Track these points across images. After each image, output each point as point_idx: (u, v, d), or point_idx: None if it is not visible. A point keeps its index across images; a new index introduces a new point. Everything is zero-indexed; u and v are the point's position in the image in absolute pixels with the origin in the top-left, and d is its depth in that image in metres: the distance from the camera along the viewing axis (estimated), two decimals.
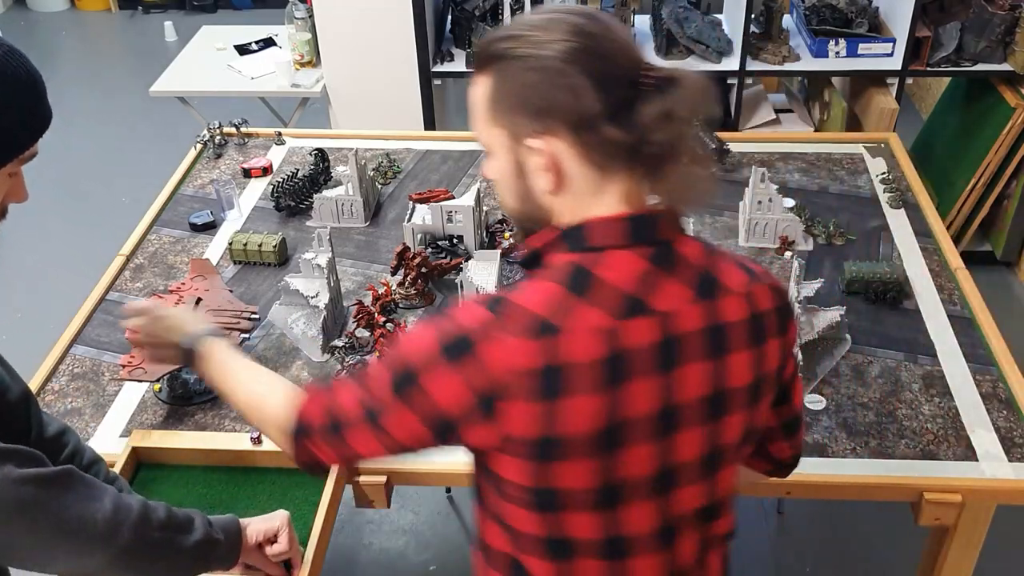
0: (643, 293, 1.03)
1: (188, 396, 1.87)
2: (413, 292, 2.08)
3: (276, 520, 1.46)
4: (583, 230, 1.05)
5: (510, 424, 1.01)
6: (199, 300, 1.92)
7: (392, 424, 1.07)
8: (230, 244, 2.24)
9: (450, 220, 2.21)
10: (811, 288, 1.90)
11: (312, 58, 3.70)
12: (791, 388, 1.22)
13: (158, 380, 1.80)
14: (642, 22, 3.63)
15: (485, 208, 2.34)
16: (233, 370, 1.33)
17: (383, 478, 1.71)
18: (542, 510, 1.08)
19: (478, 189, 2.24)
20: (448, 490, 2.88)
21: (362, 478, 1.71)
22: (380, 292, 2.06)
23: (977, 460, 1.70)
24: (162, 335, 1.40)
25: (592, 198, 1.06)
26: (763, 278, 1.13)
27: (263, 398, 1.25)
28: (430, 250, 2.21)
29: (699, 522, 1.16)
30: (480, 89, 1.08)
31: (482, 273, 1.82)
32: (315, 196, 2.37)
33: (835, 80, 3.66)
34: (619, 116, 1.01)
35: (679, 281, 1.05)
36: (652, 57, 3.43)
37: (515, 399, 1.00)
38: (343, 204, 2.36)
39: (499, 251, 1.86)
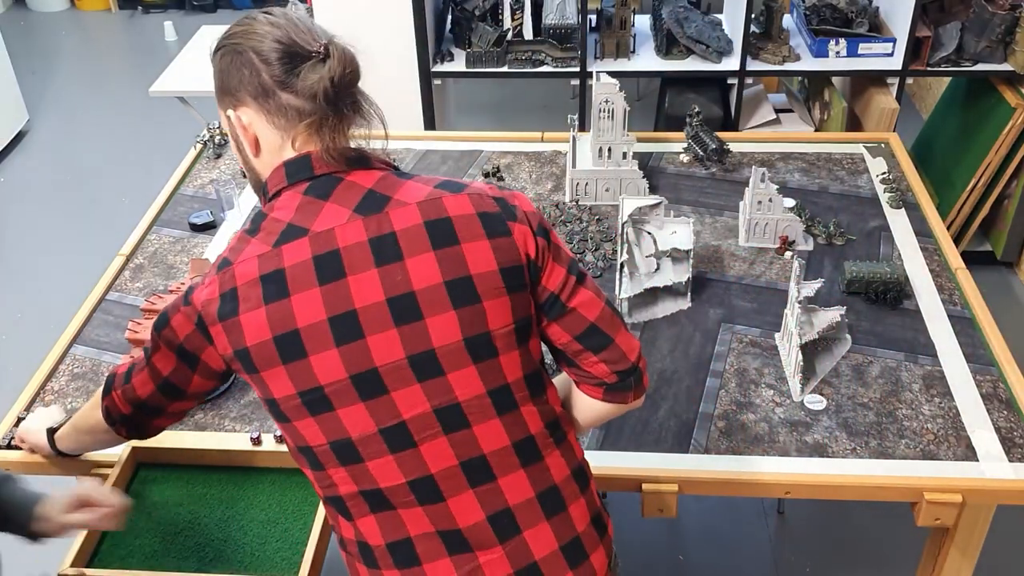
0: (300, 220, 1.22)
1: None
2: None
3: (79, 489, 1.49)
4: (267, 186, 1.28)
5: (221, 337, 1.23)
6: None
7: (155, 359, 1.32)
8: None
9: None
10: (811, 288, 1.89)
11: None
12: (568, 298, 1.28)
13: None
14: (642, 22, 3.63)
15: None
16: (69, 438, 1.62)
17: None
18: (277, 418, 1.26)
19: None
20: None
21: None
22: None
23: (977, 460, 1.70)
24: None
25: (278, 156, 1.27)
26: (471, 189, 1.27)
27: (88, 423, 1.51)
28: None
29: (443, 429, 1.22)
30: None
31: None
32: None
33: (835, 80, 3.66)
34: (289, 83, 1.22)
35: (336, 204, 1.23)
36: (652, 57, 3.44)
37: (212, 324, 1.23)
38: None
39: None
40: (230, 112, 1.28)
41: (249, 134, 1.27)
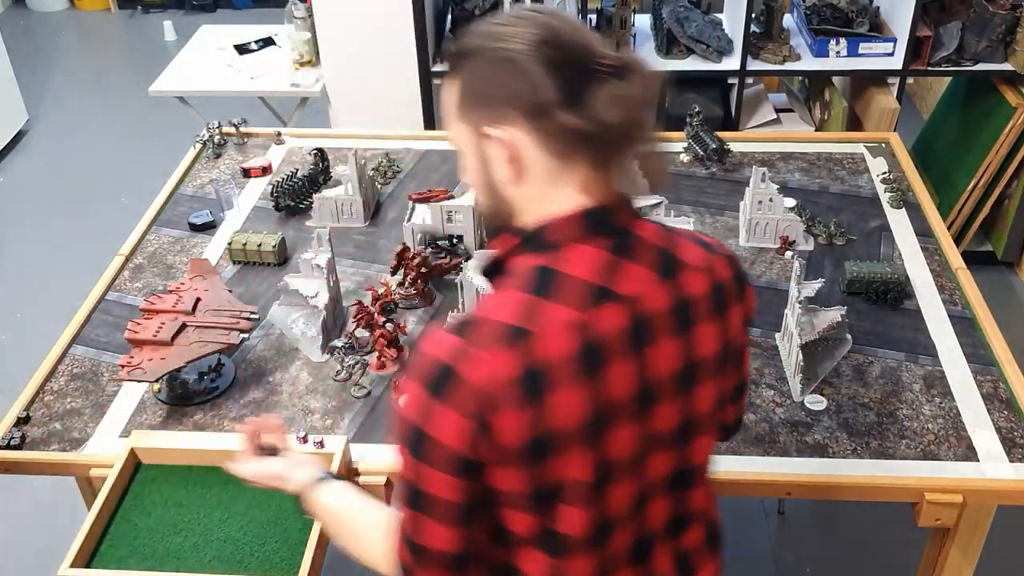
0: (608, 281, 1.06)
1: (187, 396, 1.86)
2: (413, 292, 2.08)
3: None
4: (543, 231, 1.08)
5: (504, 435, 1.02)
6: (198, 300, 1.91)
7: (429, 491, 1.05)
8: (229, 244, 2.24)
9: (450, 220, 2.21)
10: (812, 288, 1.89)
11: (312, 58, 3.70)
12: (743, 353, 1.28)
13: (157, 380, 1.80)
14: (642, 22, 3.62)
15: None
16: (331, 519, 1.33)
17: (383, 478, 1.70)
18: (538, 509, 1.09)
19: None
20: None
21: (362, 478, 1.71)
22: (380, 292, 2.06)
23: (978, 460, 1.70)
24: (270, 483, 1.41)
25: (552, 188, 1.08)
26: (718, 249, 1.19)
27: (360, 548, 1.25)
28: (430, 250, 2.20)
29: (669, 489, 1.18)
30: (448, 91, 1.12)
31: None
32: (315, 196, 2.37)
33: (836, 80, 3.66)
34: (574, 103, 1.03)
35: (641, 264, 1.09)
36: (652, 57, 3.43)
37: (504, 410, 1.01)
38: (343, 204, 2.35)
39: None
40: (488, 129, 1.07)
41: (513, 158, 1.07)
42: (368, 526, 1.24)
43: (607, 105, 1.02)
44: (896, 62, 3.30)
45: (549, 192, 1.08)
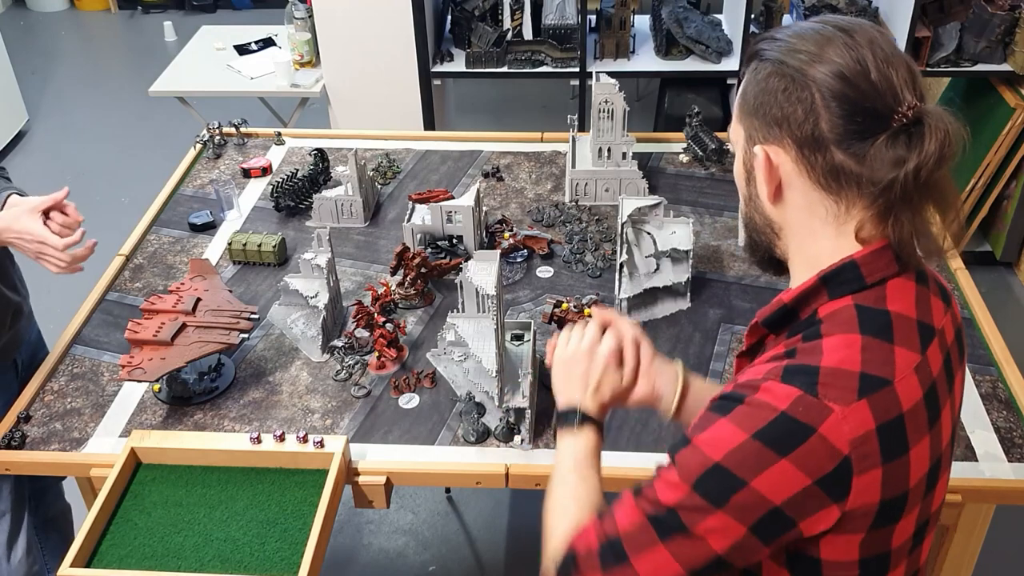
0: (924, 316, 1.00)
1: (187, 396, 1.86)
2: (413, 292, 2.08)
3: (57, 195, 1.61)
4: (854, 269, 0.99)
5: (858, 497, 0.93)
6: (198, 300, 1.92)
7: (711, 534, 0.95)
8: (229, 244, 2.24)
9: (450, 220, 2.21)
10: None
11: (312, 58, 3.70)
12: None
13: (157, 380, 1.80)
14: (642, 22, 3.63)
15: (484, 208, 2.34)
16: (566, 469, 1.17)
17: (383, 478, 1.71)
18: (866, 574, 1.01)
19: (477, 189, 2.24)
20: (448, 490, 2.88)
21: (361, 478, 1.71)
22: (379, 292, 2.06)
23: (977, 460, 1.70)
24: (569, 381, 1.24)
25: (826, 226, 1.00)
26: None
27: (563, 513, 1.12)
28: (430, 250, 2.21)
29: (935, 519, 1.13)
30: (741, 84, 1.07)
31: (481, 273, 1.81)
32: (315, 196, 2.37)
33: None
34: (853, 145, 0.95)
35: (935, 295, 1.03)
36: (652, 57, 3.44)
37: (864, 470, 0.92)
38: (343, 204, 2.35)
39: (498, 251, 1.86)
40: (758, 148, 1.02)
41: (774, 177, 1.02)
42: (583, 501, 1.11)
43: (886, 164, 0.94)
44: None
45: (820, 226, 1.01)
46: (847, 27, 0.99)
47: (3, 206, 1.82)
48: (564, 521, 1.10)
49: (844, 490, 0.92)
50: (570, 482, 1.15)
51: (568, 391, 1.23)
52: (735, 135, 1.07)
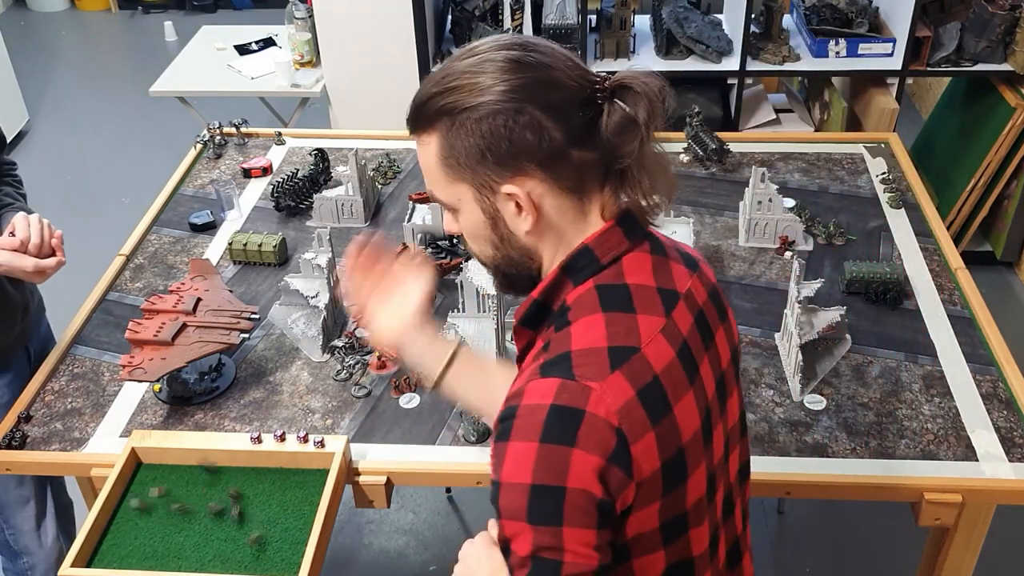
0: (665, 282, 1.05)
1: (188, 396, 1.86)
2: None
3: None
4: (588, 254, 1.03)
5: (641, 465, 0.95)
6: (199, 300, 1.92)
7: (576, 550, 0.94)
8: (230, 244, 2.24)
9: None
10: (811, 288, 1.89)
11: (312, 58, 3.70)
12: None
13: (158, 380, 1.80)
14: (642, 22, 3.63)
15: None
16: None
17: (383, 478, 1.71)
18: (670, 541, 1.03)
19: None
20: (448, 490, 2.88)
21: (362, 478, 1.71)
22: None
23: (977, 460, 1.70)
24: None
25: (575, 225, 1.04)
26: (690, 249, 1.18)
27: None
28: (430, 250, 2.21)
29: (740, 485, 1.16)
30: (430, 149, 1.03)
31: (482, 273, 1.82)
32: (315, 196, 2.37)
33: (835, 80, 3.66)
34: (583, 138, 0.99)
35: (675, 261, 1.08)
36: (652, 57, 3.44)
37: (638, 437, 0.95)
38: (343, 204, 2.35)
39: None
40: (508, 188, 1.00)
41: (534, 206, 1.01)
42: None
43: (617, 131, 0.98)
44: (895, 62, 3.31)
45: (572, 228, 1.04)
46: (503, 44, 1.01)
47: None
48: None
49: (629, 460, 0.94)
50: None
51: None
52: (452, 196, 1.04)
